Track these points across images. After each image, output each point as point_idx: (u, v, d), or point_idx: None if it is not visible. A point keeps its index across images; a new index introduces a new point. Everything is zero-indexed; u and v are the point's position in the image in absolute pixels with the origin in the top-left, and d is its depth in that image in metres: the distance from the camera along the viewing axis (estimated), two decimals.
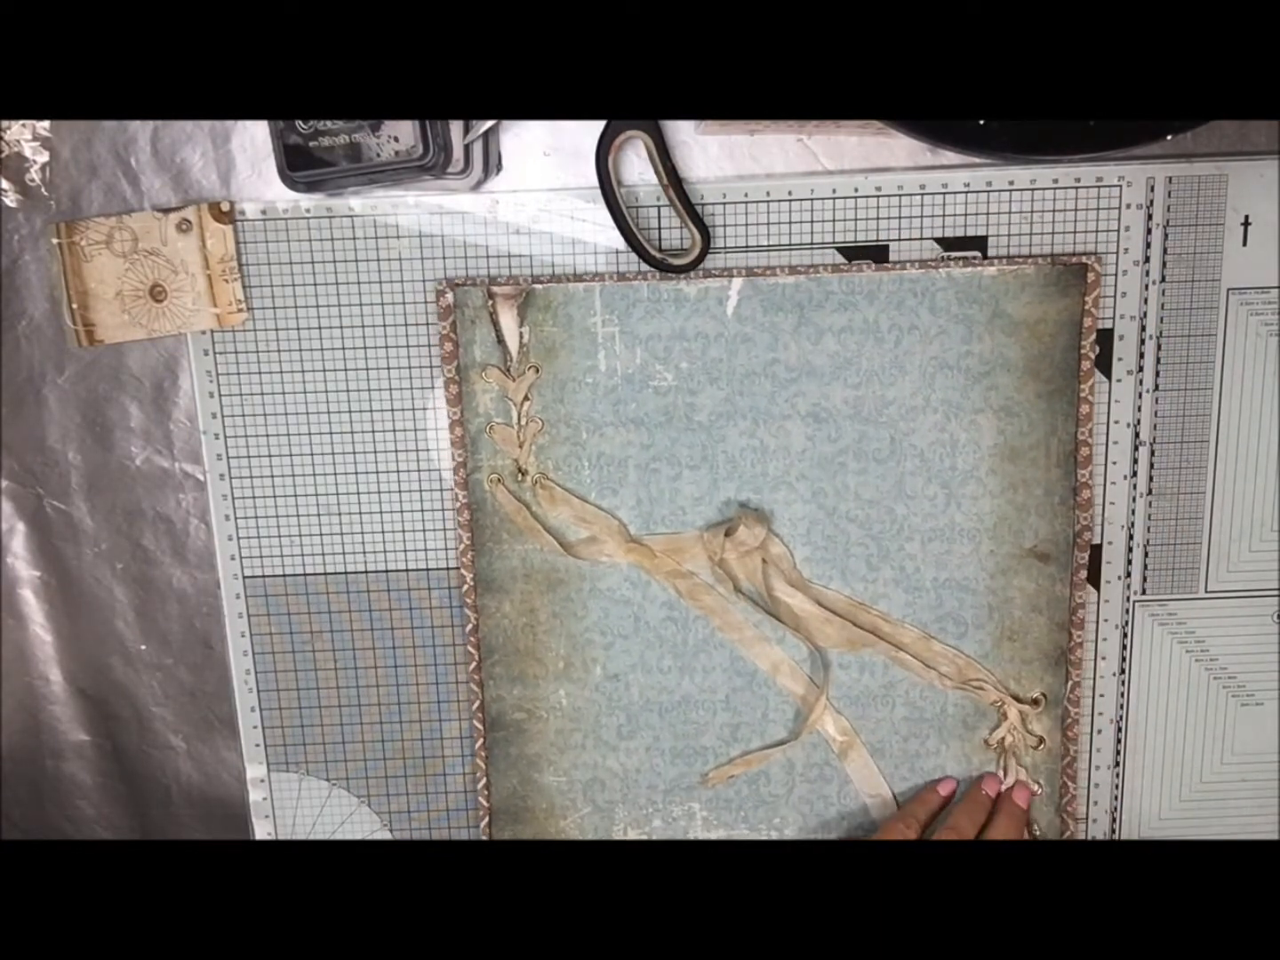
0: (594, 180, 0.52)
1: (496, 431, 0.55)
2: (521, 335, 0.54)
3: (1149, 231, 0.54)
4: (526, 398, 0.55)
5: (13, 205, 0.54)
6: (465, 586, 0.57)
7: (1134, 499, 0.57)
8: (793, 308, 0.54)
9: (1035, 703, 0.58)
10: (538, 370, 0.55)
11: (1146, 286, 0.55)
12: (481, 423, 0.55)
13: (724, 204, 0.54)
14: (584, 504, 0.56)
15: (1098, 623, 0.58)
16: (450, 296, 0.54)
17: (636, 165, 0.53)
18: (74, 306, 0.55)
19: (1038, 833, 0.59)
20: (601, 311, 0.54)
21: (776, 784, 0.59)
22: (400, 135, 0.49)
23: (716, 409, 0.55)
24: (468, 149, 0.51)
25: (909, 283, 0.54)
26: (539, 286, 0.54)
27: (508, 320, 0.54)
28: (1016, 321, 0.54)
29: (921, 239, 0.54)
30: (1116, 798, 0.61)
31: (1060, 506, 0.56)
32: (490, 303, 0.54)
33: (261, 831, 0.61)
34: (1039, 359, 0.54)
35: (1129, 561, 0.58)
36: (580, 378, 0.55)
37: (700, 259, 0.53)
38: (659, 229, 0.54)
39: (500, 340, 0.54)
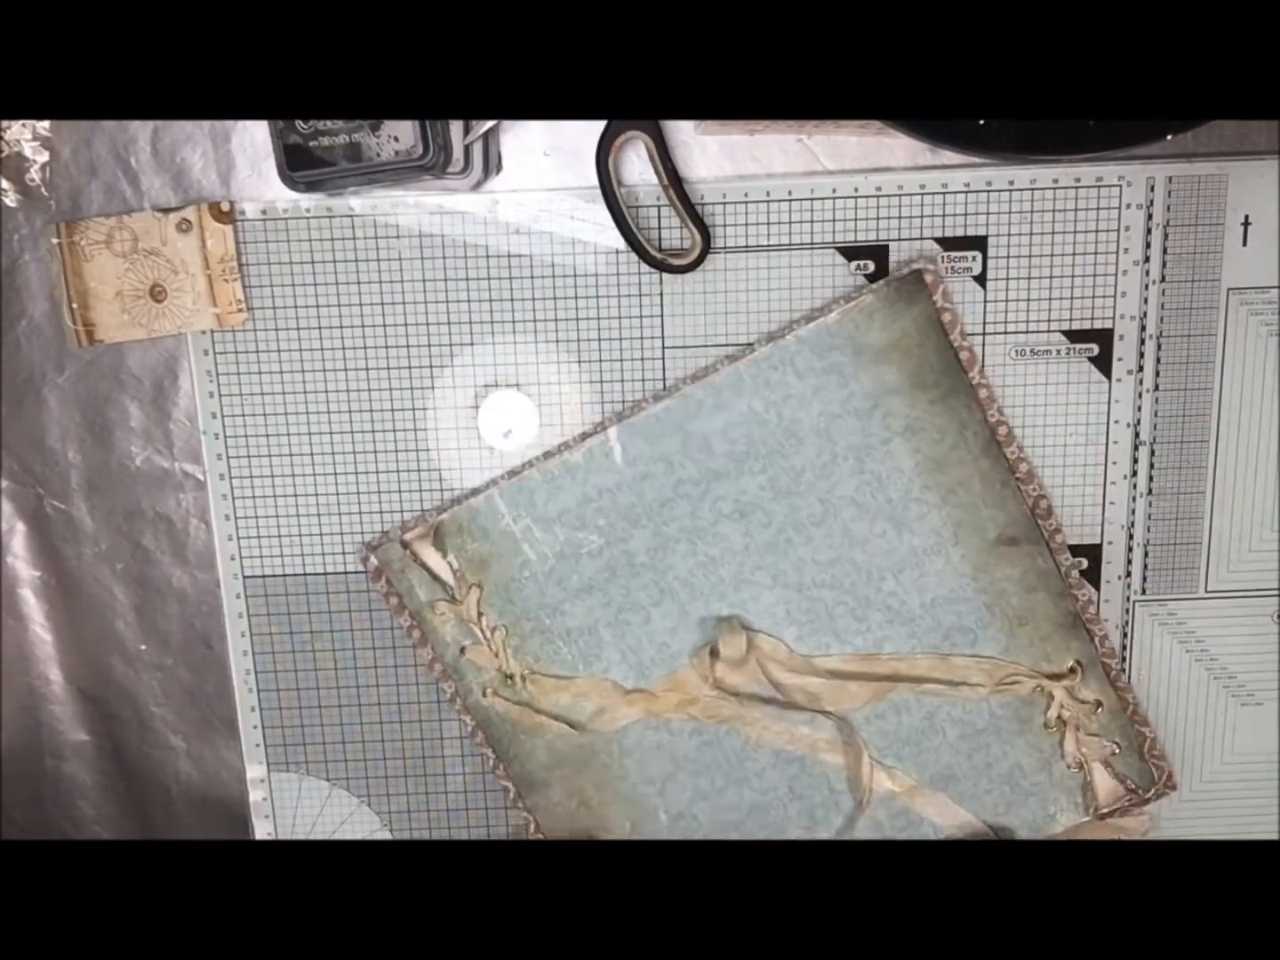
0: (594, 180, 0.52)
1: (470, 653, 0.57)
2: (450, 564, 0.56)
3: (1149, 231, 0.54)
4: (481, 613, 0.57)
5: (13, 205, 0.54)
6: (510, 794, 0.58)
7: (1134, 499, 0.57)
8: (671, 429, 0.55)
9: (1073, 671, 0.57)
10: (480, 586, 0.56)
11: (1146, 286, 0.55)
12: (455, 650, 0.57)
13: (724, 204, 0.54)
14: (575, 681, 0.57)
15: (1097, 623, 0.58)
16: (374, 559, 0.56)
17: (637, 165, 0.53)
18: (74, 306, 0.55)
19: (1133, 787, 0.58)
20: (508, 512, 0.56)
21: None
22: (400, 135, 0.49)
23: (650, 545, 0.56)
24: (468, 149, 0.51)
25: (763, 361, 0.54)
26: (444, 516, 0.56)
27: (432, 558, 0.56)
28: (880, 348, 0.54)
29: (921, 239, 0.54)
30: None
31: (1004, 489, 0.56)
32: (408, 551, 0.56)
33: (261, 831, 0.61)
34: (918, 370, 0.54)
35: (1129, 561, 0.58)
36: (518, 575, 0.56)
37: (700, 259, 0.53)
38: (659, 229, 0.54)
39: (435, 577, 0.56)
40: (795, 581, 0.57)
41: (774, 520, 0.56)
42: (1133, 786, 0.59)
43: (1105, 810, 0.58)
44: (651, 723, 0.58)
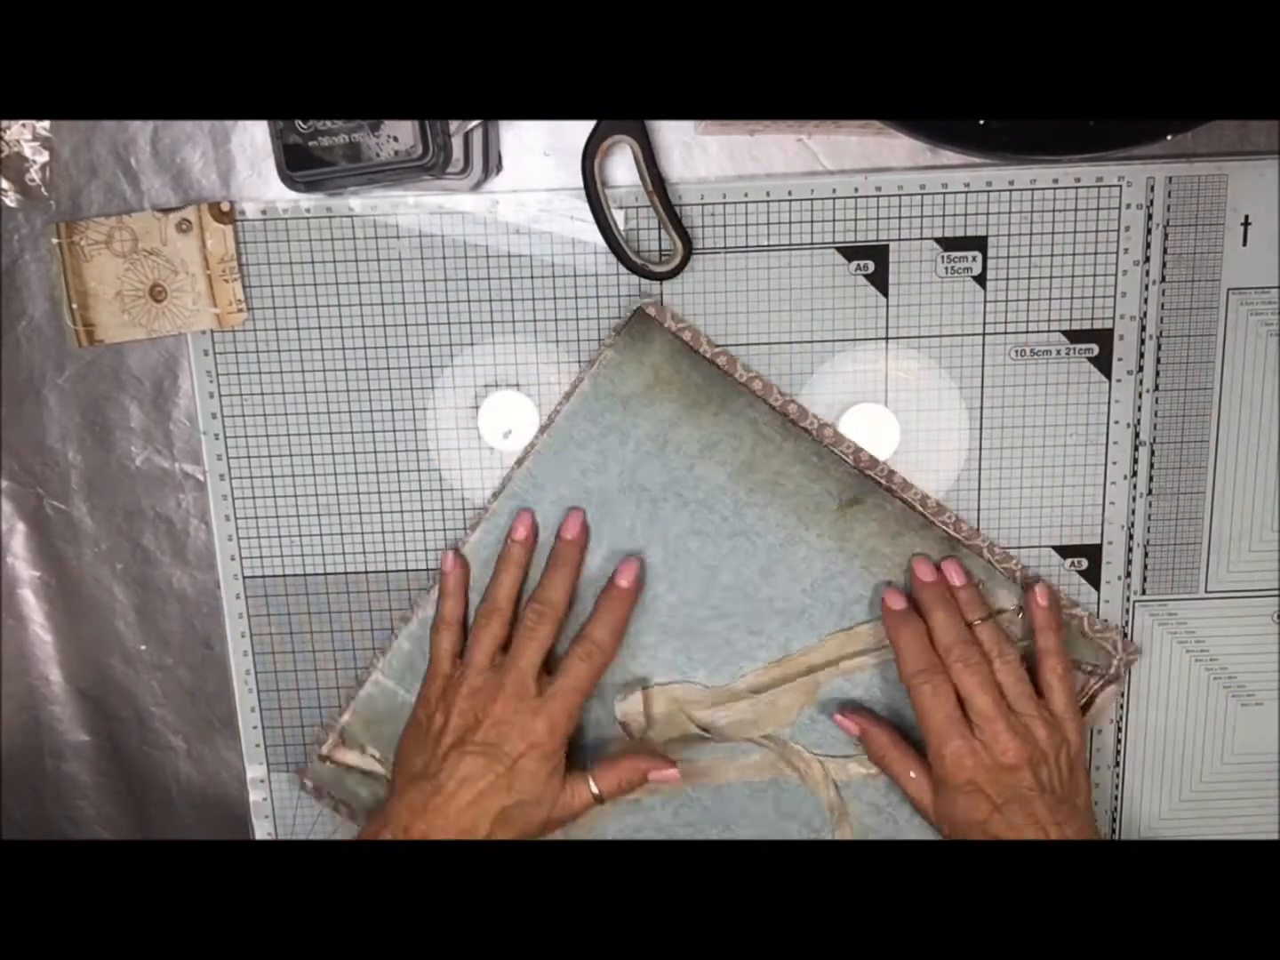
0: None
1: None
2: (372, 755, 0.58)
3: (1149, 231, 0.54)
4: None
5: (13, 205, 0.54)
6: None
7: (1134, 499, 0.57)
8: (496, 547, 0.56)
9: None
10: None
11: (1146, 286, 0.55)
12: None
13: (724, 204, 0.54)
14: None
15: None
16: (309, 782, 0.59)
17: (635, 168, 0.53)
18: (74, 306, 0.55)
19: (1090, 669, 0.57)
20: (397, 686, 0.57)
21: (883, 828, 0.59)
22: (400, 135, 0.49)
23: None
24: (468, 149, 0.51)
25: (546, 451, 0.55)
26: (345, 718, 0.58)
27: (353, 758, 0.59)
28: (643, 391, 0.55)
29: (921, 239, 0.54)
30: (1116, 798, 0.61)
31: (822, 460, 0.55)
32: (328, 764, 0.58)
33: (261, 831, 0.61)
34: (686, 394, 0.55)
35: (1129, 561, 0.58)
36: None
37: (681, 267, 0.53)
38: (658, 232, 0.54)
39: (366, 773, 0.58)
40: (680, 627, 0.57)
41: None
42: (1089, 669, 0.57)
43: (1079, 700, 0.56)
44: (622, 808, 0.58)
